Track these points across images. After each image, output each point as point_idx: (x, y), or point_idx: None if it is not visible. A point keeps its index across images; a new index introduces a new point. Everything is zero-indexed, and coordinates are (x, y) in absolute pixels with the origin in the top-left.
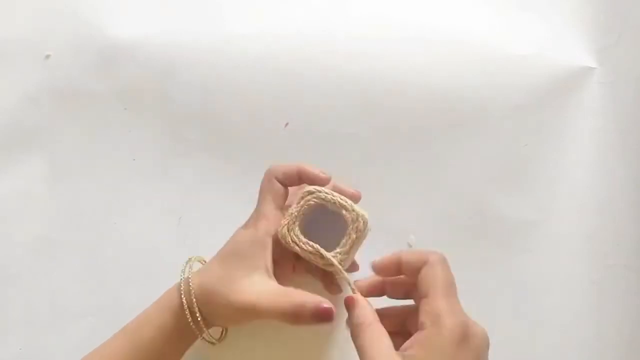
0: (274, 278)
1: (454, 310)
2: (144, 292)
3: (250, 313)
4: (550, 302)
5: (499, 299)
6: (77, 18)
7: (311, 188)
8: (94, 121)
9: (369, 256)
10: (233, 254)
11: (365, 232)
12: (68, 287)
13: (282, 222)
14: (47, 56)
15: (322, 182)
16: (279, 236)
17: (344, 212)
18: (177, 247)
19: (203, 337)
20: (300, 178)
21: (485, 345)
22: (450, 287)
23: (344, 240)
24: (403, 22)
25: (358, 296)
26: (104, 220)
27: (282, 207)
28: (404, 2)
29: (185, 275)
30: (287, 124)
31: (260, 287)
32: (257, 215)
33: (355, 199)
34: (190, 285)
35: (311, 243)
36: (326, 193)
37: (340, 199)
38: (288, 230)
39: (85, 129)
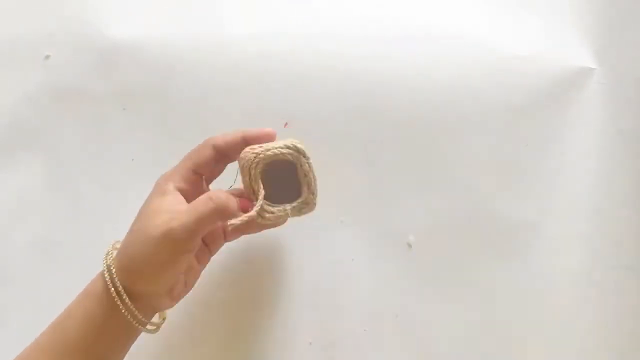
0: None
1: None
2: None
3: (167, 240)
4: (550, 302)
5: (499, 299)
6: (77, 18)
7: (249, 154)
8: (93, 121)
9: (369, 255)
10: (142, 212)
11: (309, 160)
12: (68, 287)
13: (255, 208)
14: (47, 56)
15: (271, 137)
16: (260, 219)
17: (287, 157)
18: None
19: (138, 324)
20: (246, 142)
21: None
22: None
23: (304, 188)
24: (403, 22)
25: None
26: (104, 220)
27: (201, 173)
28: (404, 2)
29: (107, 258)
30: (286, 124)
31: (171, 213)
32: (165, 173)
33: (273, 136)
34: (110, 262)
35: (282, 206)
36: (266, 150)
37: (275, 148)
38: (265, 210)
39: (84, 129)
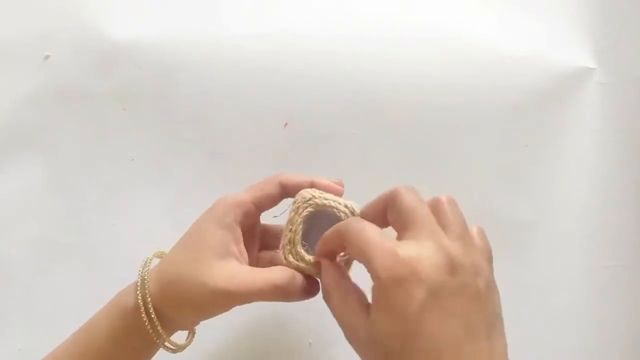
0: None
1: (391, 246)
2: None
3: (223, 297)
4: (550, 302)
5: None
6: (76, 18)
7: (306, 194)
8: (93, 121)
9: None
10: (199, 238)
11: None
12: (68, 287)
13: (283, 242)
14: (47, 56)
15: (338, 192)
16: (282, 257)
17: (340, 213)
18: None
19: (162, 343)
20: (312, 187)
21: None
22: (405, 222)
23: None
24: (402, 22)
25: (322, 260)
26: (103, 220)
27: (260, 207)
28: (404, 3)
29: (142, 273)
30: (286, 124)
31: (232, 269)
32: (229, 200)
33: (340, 193)
34: (146, 281)
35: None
36: (323, 198)
37: (333, 200)
38: (290, 252)
39: (84, 129)
